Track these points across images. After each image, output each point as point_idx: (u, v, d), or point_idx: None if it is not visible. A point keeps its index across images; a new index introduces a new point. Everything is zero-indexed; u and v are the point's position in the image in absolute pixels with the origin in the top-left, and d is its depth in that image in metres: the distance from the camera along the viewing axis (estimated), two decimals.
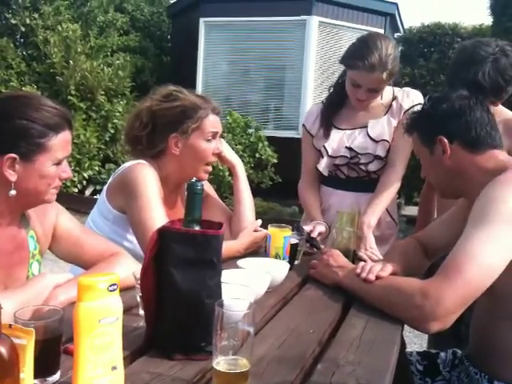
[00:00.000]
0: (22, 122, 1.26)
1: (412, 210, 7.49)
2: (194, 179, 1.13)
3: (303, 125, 2.40)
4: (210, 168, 1.89)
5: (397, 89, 2.25)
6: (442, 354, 1.64)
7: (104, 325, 0.87)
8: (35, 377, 0.84)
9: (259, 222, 1.98)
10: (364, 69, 2.02)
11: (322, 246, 1.99)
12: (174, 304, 1.05)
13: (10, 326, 0.80)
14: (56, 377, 0.92)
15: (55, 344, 0.91)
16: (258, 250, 1.91)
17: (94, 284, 0.86)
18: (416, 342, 3.52)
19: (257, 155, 7.42)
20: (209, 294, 1.03)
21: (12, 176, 1.27)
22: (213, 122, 1.84)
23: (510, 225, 1.26)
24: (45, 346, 0.88)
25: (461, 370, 1.57)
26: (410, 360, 1.64)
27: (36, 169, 1.29)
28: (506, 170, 1.37)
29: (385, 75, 2.03)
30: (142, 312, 1.21)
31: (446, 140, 1.46)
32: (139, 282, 1.14)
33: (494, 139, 1.47)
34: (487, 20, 7.55)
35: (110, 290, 0.87)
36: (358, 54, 2.04)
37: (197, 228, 1.07)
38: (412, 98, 2.20)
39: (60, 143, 1.31)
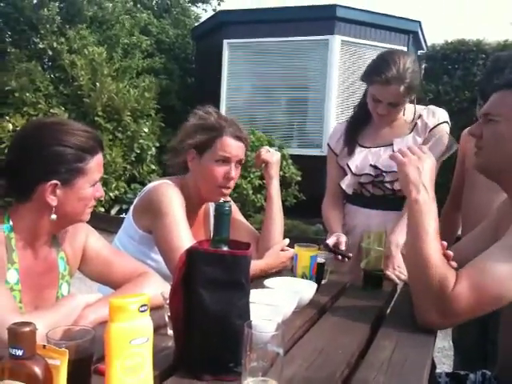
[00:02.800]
0: (59, 149, 1.30)
1: None
2: (221, 200, 1.15)
3: (328, 144, 2.41)
4: (225, 192, 1.86)
5: (422, 107, 2.25)
6: (472, 376, 1.60)
7: (135, 346, 0.87)
8: None
9: (286, 241, 1.98)
10: (381, 83, 2.04)
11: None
12: (203, 324, 1.05)
13: (44, 346, 0.81)
14: None
15: (86, 364, 0.92)
16: (283, 269, 1.91)
17: (125, 305, 0.87)
18: (445, 362, 3.45)
19: (280, 173, 7.41)
20: (238, 314, 1.03)
21: (53, 201, 1.31)
22: (226, 146, 1.82)
23: None
24: (76, 366, 0.88)
25: None
26: (439, 382, 1.61)
27: (75, 192, 1.33)
28: None
29: (402, 88, 2.04)
30: (170, 332, 1.22)
31: None
32: (168, 301, 1.15)
33: None
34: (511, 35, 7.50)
35: (141, 311, 0.88)
36: (376, 69, 2.07)
37: (225, 248, 1.08)
38: (438, 116, 2.18)
39: (96, 165, 1.36)
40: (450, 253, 1.41)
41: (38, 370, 0.74)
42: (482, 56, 7.93)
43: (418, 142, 2.17)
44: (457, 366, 2.31)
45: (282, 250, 1.94)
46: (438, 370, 1.75)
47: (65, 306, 1.24)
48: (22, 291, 1.32)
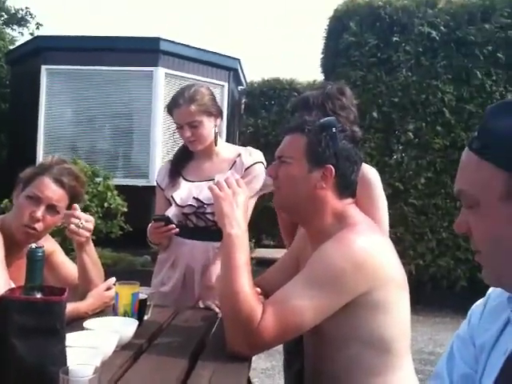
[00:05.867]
0: None
1: (261, 253, 7.84)
2: (34, 245, 1.12)
3: (156, 180, 2.52)
4: (30, 232, 1.79)
5: (242, 148, 2.47)
6: None
7: None
8: None
9: (113, 280, 1.95)
10: (174, 107, 2.30)
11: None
12: (18, 376, 1.02)
13: None
14: None
15: None
16: (107, 309, 1.89)
17: None
18: (267, 382, 3.65)
19: (105, 204, 7.24)
20: (53, 361, 1.02)
21: None
22: (41, 185, 1.80)
23: (332, 291, 1.38)
24: None
25: None
26: None
27: None
28: (348, 225, 1.46)
29: (193, 107, 2.27)
30: None
31: (333, 173, 1.49)
32: None
33: (355, 189, 1.57)
34: (319, 77, 8.34)
35: None
36: (171, 100, 2.35)
37: (38, 295, 1.06)
38: (254, 157, 2.39)
39: None
40: (258, 290, 1.54)
41: None
42: (294, 94, 8.70)
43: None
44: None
45: (109, 289, 1.92)
46: None
47: None
48: None
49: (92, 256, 1.94)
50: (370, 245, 1.42)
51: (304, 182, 1.51)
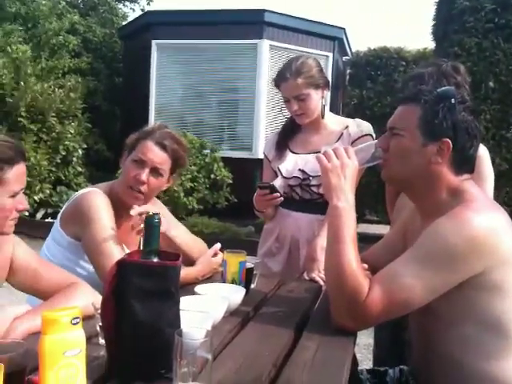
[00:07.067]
0: None
1: (364, 228, 7.69)
2: (151, 212, 1.18)
3: (264, 152, 2.56)
4: (136, 195, 1.85)
5: (349, 120, 2.41)
6: (390, 372, 1.70)
7: (68, 357, 0.90)
8: None
9: (218, 245, 2.03)
10: (281, 81, 2.29)
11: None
12: (135, 334, 1.08)
13: None
14: None
15: (20, 377, 0.93)
16: (215, 275, 1.96)
17: (58, 318, 0.90)
18: (371, 358, 3.60)
19: (212, 176, 7.49)
20: (168, 323, 1.07)
21: None
22: (145, 148, 1.85)
23: (445, 270, 1.33)
24: (9, 380, 0.89)
25: None
26: (361, 378, 1.70)
27: None
28: (464, 201, 1.39)
29: (300, 80, 2.24)
30: (102, 341, 1.24)
31: (450, 147, 1.41)
32: (99, 311, 1.18)
33: (473, 165, 1.49)
34: (430, 44, 7.90)
35: (74, 324, 0.91)
36: (278, 73, 2.34)
37: (155, 259, 1.12)
38: (361, 128, 2.33)
39: (15, 176, 1.34)
40: (365, 265, 1.51)
41: None
42: (402, 63, 8.33)
43: None
44: (376, 362, 2.45)
45: (216, 254, 1.99)
46: (360, 367, 1.85)
47: None
48: None
49: (182, 237, 2.00)
50: (487, 222, 1.34)
51: (417, 156, 1.44)
